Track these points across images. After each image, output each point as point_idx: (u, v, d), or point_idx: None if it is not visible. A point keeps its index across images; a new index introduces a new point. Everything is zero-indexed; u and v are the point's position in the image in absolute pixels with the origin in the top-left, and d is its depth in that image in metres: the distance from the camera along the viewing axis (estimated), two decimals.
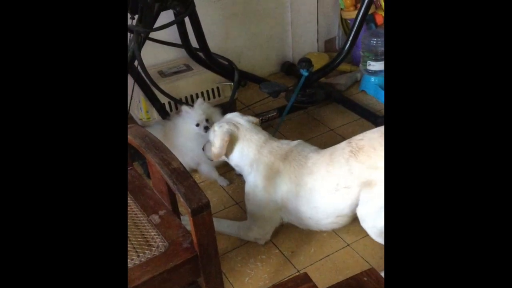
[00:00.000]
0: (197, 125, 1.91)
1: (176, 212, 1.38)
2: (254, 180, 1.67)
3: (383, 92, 2.51)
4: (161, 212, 1.35)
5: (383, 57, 2.47)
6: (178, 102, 2.09)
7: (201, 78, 2.22)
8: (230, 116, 1.75)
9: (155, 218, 1.33)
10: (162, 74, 2.23)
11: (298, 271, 1.60)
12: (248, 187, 1.70)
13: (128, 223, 1.31)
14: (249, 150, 1.67)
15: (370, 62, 2.49)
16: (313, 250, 1.68)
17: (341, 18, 2.89)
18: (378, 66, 2.49)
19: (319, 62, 2.69)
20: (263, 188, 1.65)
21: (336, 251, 1.67)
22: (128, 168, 1.53)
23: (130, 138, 1.38)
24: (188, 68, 2.29)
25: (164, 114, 2.10)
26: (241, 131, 1.68)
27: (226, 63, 2.11)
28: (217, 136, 1.66)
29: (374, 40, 2.46)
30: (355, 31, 2.34)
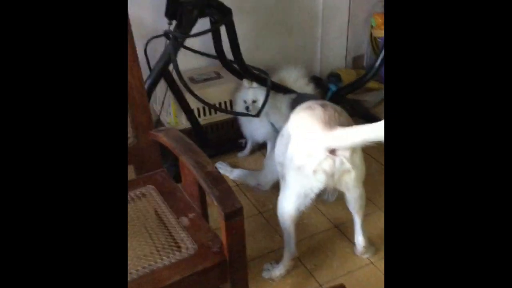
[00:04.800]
0: (244, 102, 2.10)
1: (205, 215, 1.39)
2: None
3: None
4: (191, 215, 1.36)
5: None
6: (212, 107, 2.10)
7: (232, 86, 2.24)
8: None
9: (185, 220, 1.34)
10: (193, 80, 2.25)
11: (320, 286, 1.59)
12: None
13: (157, 224, 1.32)
14: None
15: None
16: (336, 265, 1.67)
17: (371, 36, 2.90)
18: None
19: (346, 78, 2.71)
20: None
21: (359, 268, 1.65)
22: (159, 170, 1.55)
23: (164, 139, 1.39)
24: (218, 76, 2.31)
25: (193, 120, 2.12)
26: None
27: (258, 73, 2.12)
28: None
29: None
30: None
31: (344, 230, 1.81)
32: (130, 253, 1.21)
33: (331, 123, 1.39)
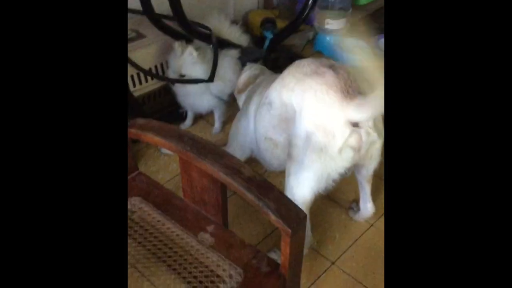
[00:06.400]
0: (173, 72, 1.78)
1: (226, 224, 1.12)
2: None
3: (340, 52, 2.38)
4: (210, 228, 1.08)
5: (341, 14, 2.33)
6: (148, 74, 1.73)
7: (161, 47, 1.86)
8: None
9: (206, 237, 1.06)
10: None
11: (333, 263, 1.46)
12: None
13: (176, 250, 1.02)
14: None
15: (328, 20, 2.34)
16: (339, 236, 1.54)
17: None
18: (336, 24, 2.35)
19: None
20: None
21: (362, 234, 1.55)
22: (135, 174, 1.21)
23: (156, 139, 1.06)
24: (140, 35, 1.90)
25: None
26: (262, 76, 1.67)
27: (203, 30, 1.78)
28: (245, 74, 1.70)
29: None
30: None
31: (330, 195, 1.68)
32: None
33: (349, 91, 1.19)
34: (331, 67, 1.25)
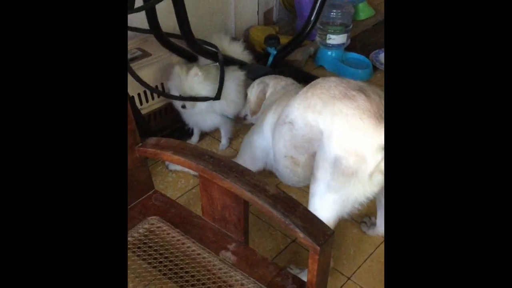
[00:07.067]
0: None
1: (247, 241, 1.11)
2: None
3: (344, 66, 2.40)
4: (232, 246, 1.07)
5: (342, 29, 2.35)
6: (156, 92, 1.73)
7: (167, 65, 1.86)
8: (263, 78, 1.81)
9: (228, 255, 1.05)
10: None
11: (349, 278, 1.44)
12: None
13: (198, 269, 1.01)
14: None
15: (330, 35, 2.35)
16: (353, 251, 1.53)
17: None
18: (338, 39, 2.37)
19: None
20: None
21: (376, 248, 1.54)
22: (151, 192, 1.20)
23: (175, 157, 1.05)
24: (145, 54, 1.90)
25: (134, 109, 1.72)
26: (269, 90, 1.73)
27: (210, 47, 1.78)
28: (252, 95, 1.76)
29: (334, 12, 2.32)
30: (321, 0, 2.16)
31: None
32: None
33: (382, 115, 1.17)
34: (361, 90, 1.23)
